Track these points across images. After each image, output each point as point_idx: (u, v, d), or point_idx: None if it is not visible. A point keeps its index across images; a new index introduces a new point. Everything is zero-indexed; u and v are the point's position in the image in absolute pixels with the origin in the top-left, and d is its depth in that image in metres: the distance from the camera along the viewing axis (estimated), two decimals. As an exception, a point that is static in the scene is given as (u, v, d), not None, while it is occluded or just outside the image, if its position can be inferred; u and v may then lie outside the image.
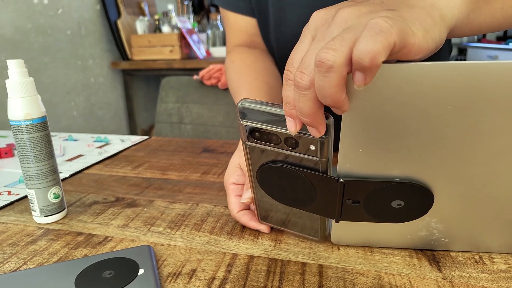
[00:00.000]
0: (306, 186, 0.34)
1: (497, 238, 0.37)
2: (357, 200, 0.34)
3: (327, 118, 0.29)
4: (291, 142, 0.32)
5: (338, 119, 0.30)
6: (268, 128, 0.32)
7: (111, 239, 0.43)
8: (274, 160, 0.34)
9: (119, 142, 0.83)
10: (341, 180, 0.32)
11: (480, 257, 0.38)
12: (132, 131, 2.32)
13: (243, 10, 0.69)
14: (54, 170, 0.47)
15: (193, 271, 0.37)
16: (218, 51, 2.27)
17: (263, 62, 0.66)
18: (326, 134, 0.30)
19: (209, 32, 2.33)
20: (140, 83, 2.42)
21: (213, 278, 0.36)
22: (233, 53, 0.69)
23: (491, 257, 0.38)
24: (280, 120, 0.31)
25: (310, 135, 0.30)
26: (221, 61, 1.99)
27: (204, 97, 1.27)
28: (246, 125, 0.33)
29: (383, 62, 0.24)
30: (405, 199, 0.33)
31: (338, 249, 0.40)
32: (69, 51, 1.85)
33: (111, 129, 2.19)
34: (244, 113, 0.32)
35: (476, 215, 0.34)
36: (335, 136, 0.30)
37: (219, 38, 2.33)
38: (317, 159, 0.32)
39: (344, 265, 0.37)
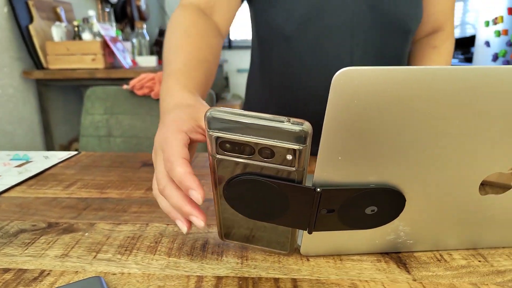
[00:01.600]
0: (279, 198, 0.32)
1: (454, 236, 0.38)
2: (331, 209, 0.33)
3: (303, 124, 0.28)
4: (266, 152, 0.30)
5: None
6: (241, 138, 0.29)
7: (48, 273, 0.37)
8: (245, 173, 0.32)
9: (43, 159, 0.74)
10: (318, 189, 0.31)
11: (440, 255, 0.39)
12: (49, 147, 2.11)
13: None
14: (-31, 196, 0.39)
15: (156, 301, 0.32)
16: (145, 61, 2.17)
17: (214, 37, 0.63)
18: (304, 142, 0.28)
19: (134, 40, 2.22)
20: (57, 94, 2.21)
21: (181, 307, 0.32)
22: (189, 9, 0.64)
23: (450, 254, 0.39)
24: (255, 129, 0.29)
25: (288, 144, 0.28)
26: (149, 70, 1.91)
27: (135, 107, 1.19)
28: (215, 136, 0.30)
29: None
30: (379, 204, 0.33)
31: (308, 260, 0.38)
32: (-30, 59, 1.63)
33: (24, 146, 1.96)
34: (213, 123, 0.29)
35: (440, 215, 0.36)
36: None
37: (145, 47, 2.24)
38: (294, 169, 0.30)
39: (318, 277, 0.36)
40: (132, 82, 1.16)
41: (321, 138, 0.28)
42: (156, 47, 3.29)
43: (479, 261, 0.38)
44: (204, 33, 0.60)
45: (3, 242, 0.42)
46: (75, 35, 1.98)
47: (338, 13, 0.69)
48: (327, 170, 0.30)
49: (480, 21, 2.31)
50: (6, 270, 0.37)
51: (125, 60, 2.02)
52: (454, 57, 2.98)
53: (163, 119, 0.43)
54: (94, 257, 0.39)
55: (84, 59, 1.93)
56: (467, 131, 0.29)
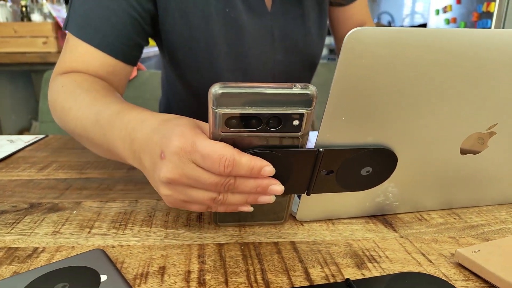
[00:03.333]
0: (282, 167, 0.33)
1: (432, 197, 0.42)
2: (330, 170, 0.35)
3: (310, 87, 0.29)
4: (274, 122, 0.30)
5: None
6: (250, 111, 0.29)
7: (43, 250, 0.36)
8: (251, 147, 0.32)
9: (8, 143, 0.69)
10: (321, 150, 0.32)
11: (421, 215, 0.43)
12: (-2, 137, 1.97)
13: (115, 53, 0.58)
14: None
15: (163, 268, 0.33)
16: (101, 45, 2.07)
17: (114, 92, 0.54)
18: (311, 105, 0.30)
19: (89, 23, 2.11)
20: (4, 80, 2.06)
21: (189, 272, 0.32)
22: (73, 74, 0.55)
23: (429, 214, 0.43)
24: (264, 100, 0.29)
25: (297, 109, 0.29)
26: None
27: (99, 91, 1.14)
28: (222, 113, 0.30)
29: None
30: (374, 165, 0.35)
31: (302, 225, 0.40)
32: None
33: (-31, 135, 1.82)
34: (220, 100, 0.29)
35: (424, 176, 0.39)
36: None
37: (101, 31, 2.14)
38: (299, 134, 0.31)
39: (314, 239, 0.38)
40: (94, 65, 1.11)
41: (328, 100, 0.30)
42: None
43: (455, 218, 0.42)
44: (113, 90, 0.54)
45: (-15, 224, 0.40)
46: (23, 16, 1.85)
47: (260, 67, 0.72)
48: (331, 131, 0.32)
49: (431, 10, 2.45)
50: (-4, 250, 0.36)
51: (80, 43, 1.92)
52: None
53: (157, 136, 0.34)
54: (89, 233, 0.39)
55: (34, 42, 1.80)
56: (453, 92, 0.32)
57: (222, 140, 0.31)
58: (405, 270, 0.33)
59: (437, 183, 0.40)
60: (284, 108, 0.29)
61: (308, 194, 0.36)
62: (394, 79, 0.29)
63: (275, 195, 0.34)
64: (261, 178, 0.32)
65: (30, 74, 2.16)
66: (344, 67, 0.27)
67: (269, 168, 0.31)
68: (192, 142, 0.30)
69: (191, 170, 0.31)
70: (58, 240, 0.37)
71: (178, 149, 0.31)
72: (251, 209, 0.34)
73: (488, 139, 0.37)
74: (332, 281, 0.31)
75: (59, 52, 1.85)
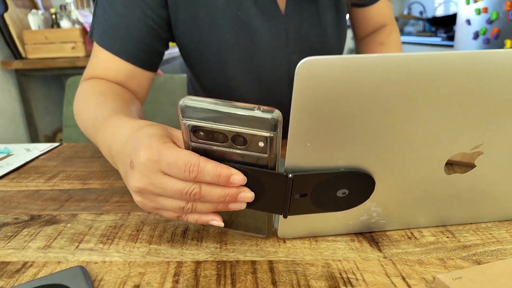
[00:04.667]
0: (254, 184, 0.33)
1: (423, 214, 0.40)
2: (304, 193, 0.34)
3: (273, 112, 0.29)
4: (239, 140, 0.31)
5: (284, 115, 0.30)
6: (213, 126, 0.30)
7: (31, 265, 0.37)
8: (220, 160, 0.33)
9: (24, 152, 0.73)
10: (290, 175, 0.32)
11: (411, 233, 0.41)
12: (34, 139, 2.08)
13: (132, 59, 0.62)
14: None
15: (137, 287, 0.34)
16: (127, 48, 2.13)
17: (132, 99, 0.61)
18: (274, 129, 0.29)
19: (115, 27, 2.18)
20: (38, 84, 2.17)
21: (161, 292, 0.33)
22: (96, 80, 0.61)
23: (420, 232, 0.41)
24: (227, 117, 0.30)
25: (259, 131, 0.29)
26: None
27: (118, 96, 1.18)
28: (189, 124, 0.30)
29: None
30: (350, 187, 0.34)
31: (285, 242, 0.40)
32: None
33: (8, 138, 1.93)
34: (187, 111, 0.30)
35: (409, 195, 0.37)
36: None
37: (127, 34, 2.20)
38: (266, 155, 0.31)
39: (293, 258, 0.37)
40: (113, 71, 1.14)
41: (289, 126, 0.29)
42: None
43: (447, 237, 0.40)
44: (122, 94, 0.59)
45: (-15, 236, 0.43)
46: (53, 23, 1.94)
47: (273, 70, 0.71)
48: (297, 156, 0.31)
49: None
50: (-11, 263, 0.38)
51: (107, 47, 1.99)
52: (436, 36, 3.00)
53: (129, 146, 0.36)
54: (77, 247, 0.40)
55: (64, 47, 1.89)
56: (430, 114, 0.30)
57: (193, 149, 0.32)
58: (379, 296, 0.32)
59: (425, 201, 0.38)
60: (247, 128, 0.29)
61: (284, 217, 0.36)
62: (353, 106, 0.28)
63: (254, 210, 0.35)
64: (230, 186, 0.32)
65: (61, 78, 2.26)
66: (300, 96, 0.27)
67: (239, 177, 0.32)
68: (159, 152, 0.32)
69: (157, 179, 0.32)
70: (47, 255, 0.39)
71: (145, 159, 0.32)
72: (221, 224, 0.35)
73: (475, 159, 0.34)
74: (300, 306, 0.31)
75: (87, 56, 1.92)
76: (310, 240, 0.40)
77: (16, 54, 1.91)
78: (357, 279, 0.34)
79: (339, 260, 0.37)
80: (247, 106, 0.29)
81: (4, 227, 0.45)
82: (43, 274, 0.36)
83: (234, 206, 0.34)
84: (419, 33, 3.36)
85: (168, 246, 0.40)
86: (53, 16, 1.94)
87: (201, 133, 0.31)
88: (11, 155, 0.71)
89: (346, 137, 0.30)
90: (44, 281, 0.33)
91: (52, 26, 1.96)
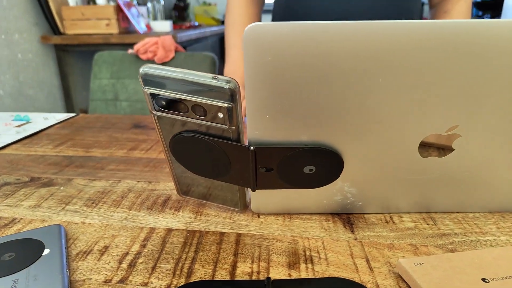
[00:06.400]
0: (220, 155, 0.34)
1: (405, 199, 0.38)
2: (270, 168, 0.34)
3: (230, 82, 0.28)
4: (199, 110, 0.31)
5: None
6: (172, 95, 0.30)
7: (19, 221, 0.40)
8: (186, 130, 0.33)
9: (42, 120, 0.77)
10: (252, 148, 0.32)
11: (391, 217, 0.40)
12: (70, 111, 2.18)
13: None
14: (-51, 149, 0.42)
15: (106, 248, 0.35)
16: (159, 25, 2.17)
17: (254, 10, 0.86)
18: (232, 100, 0.29)
19: (149, 5, 2.21)
20: (75, 59, 2.26)
21: (126, 253, 0.34)
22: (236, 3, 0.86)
23: (401, 217, 0.40)
24: (186, 87, 0.30)
25: (216, 101, 0.29)
26: (163, 36, 1.91)
27: (140, 72, 1.21)
28: (149, 93, 0.31)
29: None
30: (316, 164, 0.33)
31: (258, 217, 0.40)
32: (-10, 24, 1.68)
33: (46, 109, 2.04)
34: (147, 80, 0.30)
35: (383, 177, 0.36)
36: None
37: (160, 12, 2.23)
38: (227, 127, 0.31)
39: (262, 232, 0.37)
40: (136, 46, 1.17)
41: (246, 97, 0.29)
42: (175, 12, 3.27)
43: (428, 224, 0.38)
44: (247, 13, 0.85)
45: (-13, 193, 0.46)
46: (90, 0, 2.00)
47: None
48: (258, 128, 0.31)
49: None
50: (-17, 217, 0.41)
51: (139, 25, 2.03)
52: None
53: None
54: (63, 208, 0.42)
55: (98, 24, 1.95)
56: (397, 90, 0.29)
57: (158, 118, 0.33)
58: (337, 275, 0.31)
59: (404, 185, 0.37)
60: (205, 98, 0.29)
61: (253, 190, 0.36)
62: (308, 77, 0.27)
63: (229, 184, 0.36)
64: None
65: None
66: (250, 62, 0.26)
67: None
68: None
69: None
70: (35, 213, 0.41)
71: None
72: None
73: (451, 142, 0.32)
74: (255, 278, 0.31)
75: (120, 33, 1.97)
76: (284, 217, 0.40)
77: (55, 29, 1.99)
78: (319, 258, 0.33)
79: (307, 238, 0.36)
80: (205, 75, 0.29)
81: (4, 186, 0.48)
82: (27, 230, 0.38)
83: None
84: (465, 18, 3.14)
85: (146, 213, 0.41)
86: (90, -7, 2.00)
87: (163, 102, 0.31)
88: (30, 122, 0.76)
89: (305, 110, 0.30)
90: (22, 235, 0.35)
91: (88, 3, 2.02)
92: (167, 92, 0.30)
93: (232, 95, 0.29)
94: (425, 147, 0.33)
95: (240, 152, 0.33)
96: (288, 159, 0.33)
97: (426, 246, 0.35)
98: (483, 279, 0.28)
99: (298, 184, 0.35)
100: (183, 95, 0.30)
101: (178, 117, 0.32)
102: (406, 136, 0.32)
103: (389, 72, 0.28)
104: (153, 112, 0.33)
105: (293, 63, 0.26)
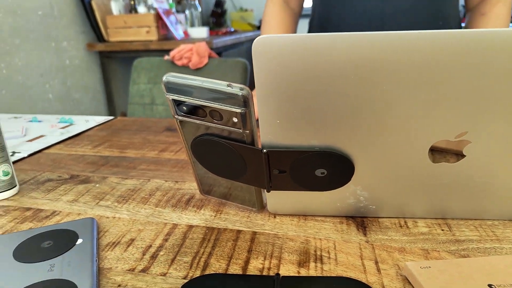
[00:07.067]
0: (236, 157, 0.36)
1: (419, 204, 0.39)
2: (283, 170, 0.35)
3: (243, 90, 0.31)
4: (216, 115, 0.33)
5: None
6: (192, 101, 0.33)
7: (58, 213, 0.44)
8: (205, 133, 0.36)
9: (84, 122, 0.83)
10: (264, 150, 0.34)
11: (405, 222, 0.40)
12: (112, 114, 2.30)
13: None
14: (1, 148, 0.47)
15: (132, 240, 0.38)
16: (196, 32, 2.24)
17: (289, 20, 0.89)
18: (245, 106, 0.31)
19: (187, 12, 2.29)
20: (117, 65, 2.38)
21: (150, 246, 0.37)
22: (273, 6, 0.88)
23: (415, 222, 0.40)
24: (204, 93, 0.32)
25: (231, 107, 0.31)
26: (199, 42, 1.97)
27: (175, 77, 1.27)
28: (172, 99, 0.34)
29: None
30: (327, 167, 0.35)
31: (274, 217, 0.42)
32: (42, 33, 1.81)
33: (90, 112, 2.17)
34: (170, 87, 0.33)
35: (396, 182, 0.36)
36: None
37: (198, 19, 2.31)
38: (241, 131, 0.33)
39: (277, 231, 0.39)
40: (172, 53, 1.22)
41: (257, 102, 0.31)
42: (213, 18, 3.35)
43: (442, 229, 0.38)
44: (282, 23, 0.88)
45: (32, 188, 0.51)
46: (131, 9, 2.11)
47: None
48: (270, 133, 0.33)
49: None
50: (28, 209, 0.46)
51: (177, 31, 2.11)
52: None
53: None
54: (97, 204, 0.46)
55: (139, 31, 2.04)
56: (407, 97, 0.30)
57: (180, 123, 0.36)
58: (344, 275, 0.32)
59: (417, 190, 0.37)
60: (220, 104, 0.32)
61: (268, 191, 0.38)
62: (315, 85, 0.29)
63: (241, 183, 0.38)
64: None
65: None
66: (260, 73, 0.28)
67: None
68: None
69: None
70: (72, 207, 0.46)
71: None
72: None
73: (462, 148, 0.33)
74: (265, 273, 0.33)
75: (159, 40, 2.06)
76: (299, 218, 0.41)
77: (99, 37, 2.11)
78: (329, 258, 0.35)
79: (320, 239, 0.38)
80: (220, 83, 0.31)
81: (48, 182, 0.53)
82: (64, 221, 0.42)
83: None
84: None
85: (170, 210, 0.44)
86: (132, 2, 2.10)
87: (184, 107, 0.34)
88: (73, 124, 0.82)
89: (314, 116, 0.31)
90: (60, 226, 0.39)
91: (130, 12, 2.13)
92: (187, 98, 0.33)
93: (245, 101, 0.31)
94: (436, 153, 0.33)
95: (254, 155, 0.35)
96: (299, 162, 0.34)
97: (438, 251, 0.35)
98: (490, 285, 0.29)
99: (310, 186, 0.37)
100: (201, 101, 0.32)
101: (198, 121, 0.35)
102: (415, 142, 0.32)
103: (395, 80, 0.29)
104: (175, 116, 0.35)
105: (300, 72, 0.28)
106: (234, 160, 0.36)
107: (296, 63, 0.27)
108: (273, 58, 0.27)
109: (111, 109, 2.30)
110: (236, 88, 0.31)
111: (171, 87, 0.33)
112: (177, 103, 0.34)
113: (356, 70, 0.28)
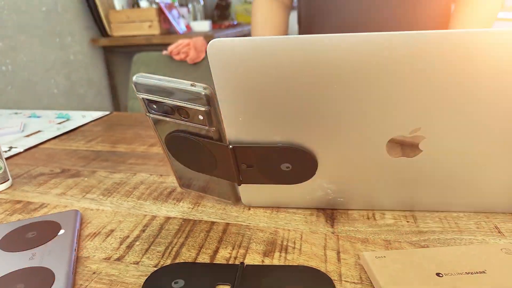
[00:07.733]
0: (206, 153, 0.38)
1: (386, 197, 0.40)
2: (250, 164, 0.37)
3: (205, 89, 0.32)
4: (183, 112, 0.35)
5: None
6: (159, 100, 0.35)
7: (46, 206, 0.47)
8: (176, 130, 0.38)
9: (80, 118, 0.86)
10: (231, 146, 0.35)
11: (373, 214, 0.42)
12: (116, 108, 2.34)
13: None
14: (-7, 144, 0.50)
15: (112, 231, 0.41)
16: (198, 26, 2.25)
17: (280, 16, 0.92)
18: (209, 104, 0.33)
19: (190, 6, 2.30)
20: (121, 60, 2.41)
21: (127, 237, 0.39)
22: (261, 3, 0.91)
23: (383, 214, 0.41)
24: (170, 93, 0.34)
25: (195, 105, 0.33)
26: (202, 35, 1.98)
27: (173, 71, 1.28)
28: (141, 97, 0.36)
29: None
30: (292, 162, 0.36)
31: (249, 209, 0.43)
32: (46, 29, 1.85)
33: (95, 106, 2.20)
34: (138, 87, 0.35)
35: (360, 176, 0.38)
36: None
37: (200, 12, 2.32)
38: (207, 127, 0.35)
39: (248, 223, 0.41)
40: (170, 48, 1.24)
41: (218, 100, 0.32)
42: (217, 11, 3.35)
43: (408, 221, 0.40)
44: (270, 22, 0.92)
45: (25, 182, 0.54)
46: (134, 3, 2.12)
47: None
48: (234, 129, 0.34)
49: None
50: (18, 202, 0.48)
51: (179, 25, 2.12)
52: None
53: None
54: (83, 197, 0.49)
55: (142, 26, 2.06)
56: (361, 95, 0.31)
57: (152, 120, 0.38)
58: (305, 264, 0.34)
59: (381, 184, 0.38)
60: (186, 103, 0.33)
61: (238, 184, 0.40)
62: (271, 85, 0.30)
63: (220, 179, 0.40)
64: None
65: (142, 54, 2.47)
66: (217, 74, 0.30)
67: None
68: None
69: None
70: (60, 200, 0.48)
71: None
72: None
73: (418, 143, 0.34)
74: (231, 262, 0.35)
75: (162, 34, 2.08)
76: (272, 210, 0.43)
77: (103, 32, 2.14)
78: (294, 248, 0.36)
79: (288, 230, 0.39)
80: (184, 83, 0.33)
81: (40, 176, 0.56)
82: (50, 213, 0.45)
83: None
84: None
85: (151, 202, 0.46)
86: (134, -3, 2.12)
87: (154, 106, 0.36)
88: (70, 120, 0.84)
89: (274, 114, 0.33)
90: (45, 218, 0.42)
91: (133, 6, 2.15)
92: (155, 97, 0.35)
93: (208, 100, 0.32)
94: (394, 148, 0.35)
95: (222, 150, 0.36)
96: (265, 157, 0.36)
97: (400, 242, 0.37)
98: (438, 274, 0.30)
99: (277, 180, 0.38)
100: (168, 100, 0.34)
101: (167, 119, 0.37)
102: (373, 137, 0.34)
103: (348, 78, 0.30)
104: (147, 114, 0.37)
105: (255, 74, 0.30)
106: (204, 155, 0.38)
107: (251, 65, 0.29)
108: (228, 61, 0.28)
109: (115, 103, 2.33)
110: (200, 88, 0.32)
111: (141, 87, 0.35)
112: (147, 102, 0.36)
113: (312, 71, 0.30)
